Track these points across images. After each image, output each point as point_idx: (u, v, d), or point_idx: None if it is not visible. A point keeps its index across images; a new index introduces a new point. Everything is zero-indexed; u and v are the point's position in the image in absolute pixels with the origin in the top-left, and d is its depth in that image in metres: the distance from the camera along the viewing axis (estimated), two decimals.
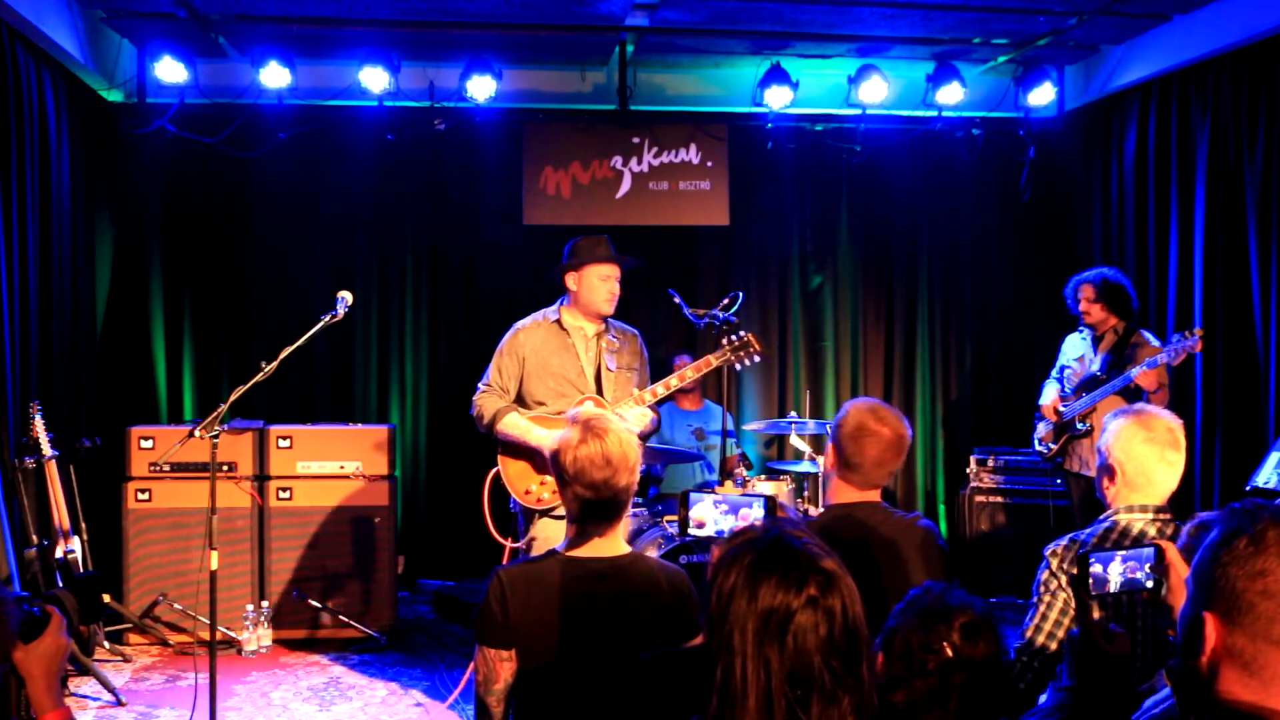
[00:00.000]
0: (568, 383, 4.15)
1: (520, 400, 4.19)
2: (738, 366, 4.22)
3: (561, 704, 2.34)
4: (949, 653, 1.84)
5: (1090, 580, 2.01)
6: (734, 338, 4.19)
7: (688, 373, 4.20)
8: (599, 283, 4.16)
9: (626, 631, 2.35)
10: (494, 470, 4.16)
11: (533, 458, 4.06)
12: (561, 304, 4.29)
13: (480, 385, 4.24)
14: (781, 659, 1.46)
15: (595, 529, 2.39)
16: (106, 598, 5.12)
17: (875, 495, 2.78)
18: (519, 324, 4.28)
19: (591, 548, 2.40)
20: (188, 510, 5.39)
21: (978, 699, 1.85)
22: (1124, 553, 2.08)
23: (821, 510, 2.95)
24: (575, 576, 2.35)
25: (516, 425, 4.08)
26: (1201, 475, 5.56)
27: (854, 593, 1.52)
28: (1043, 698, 2.56)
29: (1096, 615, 2.03)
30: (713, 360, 4.18)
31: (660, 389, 4.15)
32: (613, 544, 2.42)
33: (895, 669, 1.86)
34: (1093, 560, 2.02)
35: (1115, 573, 2.06)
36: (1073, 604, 2.53)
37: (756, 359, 4.21)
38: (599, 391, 4.17)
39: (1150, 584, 2.08)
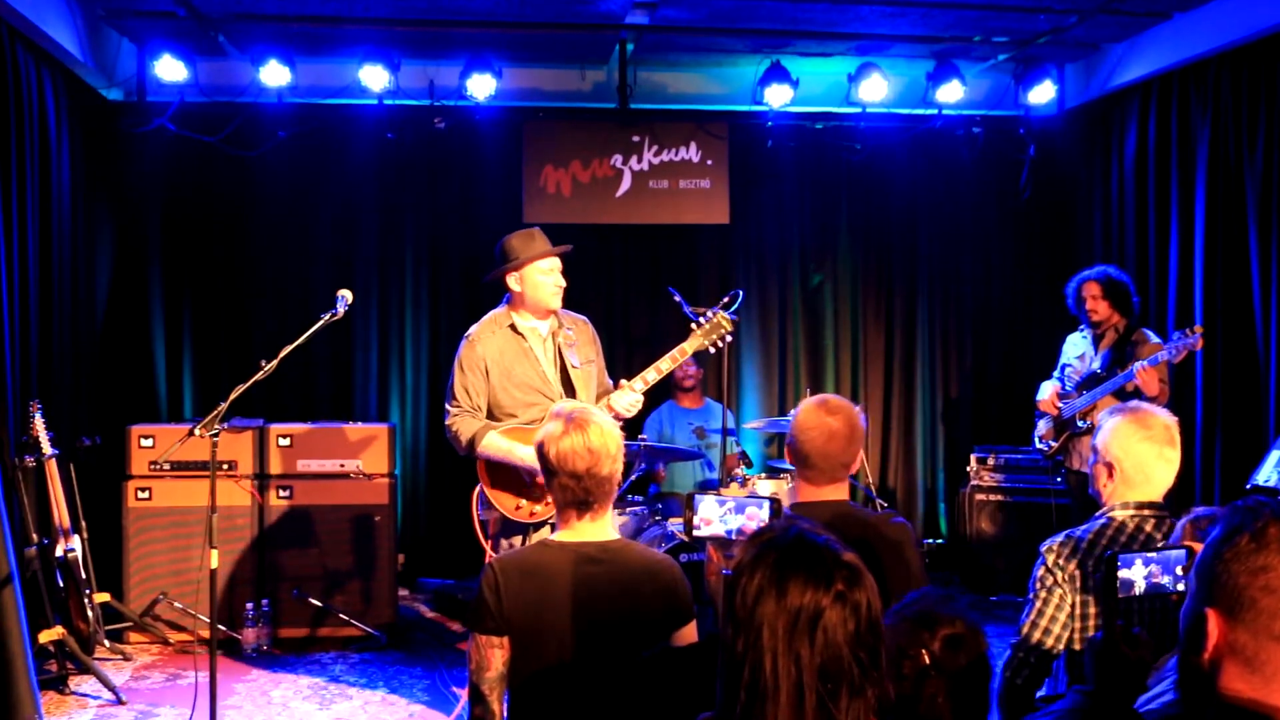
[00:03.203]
0: (534, 390, 3.99)
1: (488, 413, 4.02)
2: (711, 349, 4.09)
3: (560, 687, 2.37)
4: (925, 660, 1.84)
5: (1118, 584, 2.00)
6: (703, 319, 4.08)
7: (664, 364, 4.03)
8: (542, 279, 4.00)
9: (621, 613, 2.40)
10: (477, 487, 4.04)
11: (517, 474, 3.91)
12: (507, 306, 4.12)
13: (449, 406, 4.04)
14: (812, 654, 1.48)
15: (583, 515, 2.48)
16: (107, 596, 5.12)
17: (839, 492, 2.72)
18: (471, 333, 4.07)
19: (581, 533, 2.48)
20: (188, 509, 5.38)
21: (950, 711, 1.85)
22: (1151, 555, 2.06)
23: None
24: (568, 560, 2.43)
25: (498, 446, 3.90)
26: (1202, 473, 5.56)
27: (874, 586, 1.54)
28: (1047, 699, 2.56)
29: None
30: (686, 348, 4.04)
31: (652, 375, 4.01)
32: (601, 529, 2.50)
33: None
34: (1120, 564, 2.00)
35: (1141, 576, 2.05)
36: (1069, 601, 2.54)
37: (729, 338, 4.10)
38: (569, 392, 4.02)
39: (1181, 586, 2.06)
